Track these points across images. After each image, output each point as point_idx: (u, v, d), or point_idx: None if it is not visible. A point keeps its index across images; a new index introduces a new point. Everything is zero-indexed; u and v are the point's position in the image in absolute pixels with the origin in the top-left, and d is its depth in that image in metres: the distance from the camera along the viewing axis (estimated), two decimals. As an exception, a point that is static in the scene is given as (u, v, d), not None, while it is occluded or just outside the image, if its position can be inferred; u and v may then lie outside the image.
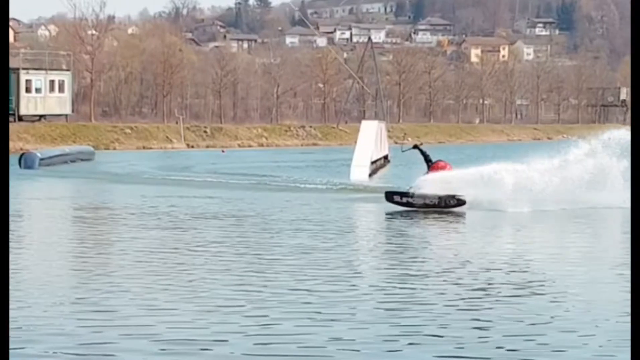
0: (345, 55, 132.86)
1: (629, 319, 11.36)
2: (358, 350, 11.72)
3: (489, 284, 16.43)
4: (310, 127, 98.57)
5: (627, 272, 14.86)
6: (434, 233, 25.39)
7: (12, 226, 20.34)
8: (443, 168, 30.76)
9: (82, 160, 60.74)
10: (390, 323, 13.15)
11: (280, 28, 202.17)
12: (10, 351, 10.30)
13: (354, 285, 16.15)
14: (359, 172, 48.40)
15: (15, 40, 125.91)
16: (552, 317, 13.65)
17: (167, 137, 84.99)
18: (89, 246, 21.68)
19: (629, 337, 10.21)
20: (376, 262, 19.53)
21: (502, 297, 15.20)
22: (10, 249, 15.57)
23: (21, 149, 61.59)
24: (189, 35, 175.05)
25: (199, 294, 15.14)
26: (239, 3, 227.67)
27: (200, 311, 13.77)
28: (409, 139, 66.37)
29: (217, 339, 12.09)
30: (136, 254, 19.69)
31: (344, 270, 17.84)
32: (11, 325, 11.13)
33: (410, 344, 12.03)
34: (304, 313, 13.76)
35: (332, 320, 13.31)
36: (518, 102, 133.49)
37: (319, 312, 13.83)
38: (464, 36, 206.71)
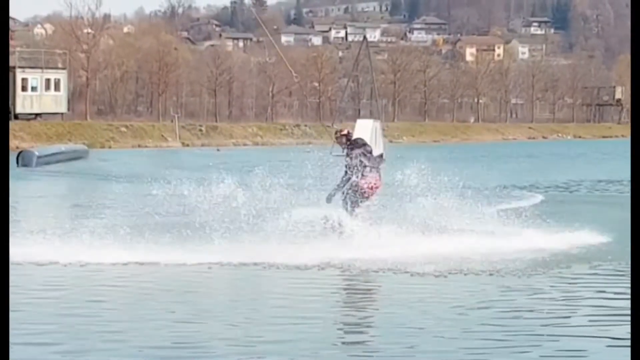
0: (340, 54, 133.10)
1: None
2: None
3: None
4: (305, 125, 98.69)
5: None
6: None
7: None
8: None
9: (77, 158, 60.86)
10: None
11: (275, 27, 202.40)
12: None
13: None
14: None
15: (11, 38, 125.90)
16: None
17: (162, 135, 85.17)
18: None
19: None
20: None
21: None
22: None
23: (17, 148, 61.73)
24: (185, 34, 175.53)
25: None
26: (235, 2, 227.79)
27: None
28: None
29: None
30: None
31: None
32: None
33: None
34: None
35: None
36: (513, 101, 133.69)
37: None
38: (459, 35, 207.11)
